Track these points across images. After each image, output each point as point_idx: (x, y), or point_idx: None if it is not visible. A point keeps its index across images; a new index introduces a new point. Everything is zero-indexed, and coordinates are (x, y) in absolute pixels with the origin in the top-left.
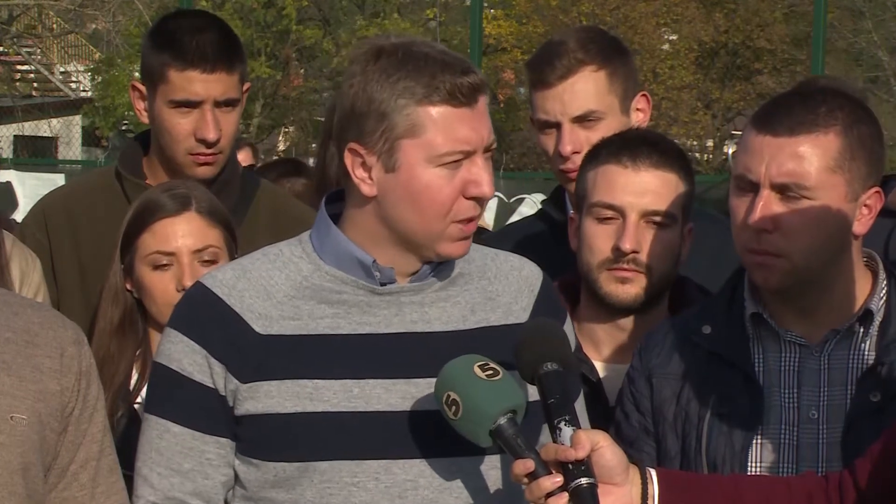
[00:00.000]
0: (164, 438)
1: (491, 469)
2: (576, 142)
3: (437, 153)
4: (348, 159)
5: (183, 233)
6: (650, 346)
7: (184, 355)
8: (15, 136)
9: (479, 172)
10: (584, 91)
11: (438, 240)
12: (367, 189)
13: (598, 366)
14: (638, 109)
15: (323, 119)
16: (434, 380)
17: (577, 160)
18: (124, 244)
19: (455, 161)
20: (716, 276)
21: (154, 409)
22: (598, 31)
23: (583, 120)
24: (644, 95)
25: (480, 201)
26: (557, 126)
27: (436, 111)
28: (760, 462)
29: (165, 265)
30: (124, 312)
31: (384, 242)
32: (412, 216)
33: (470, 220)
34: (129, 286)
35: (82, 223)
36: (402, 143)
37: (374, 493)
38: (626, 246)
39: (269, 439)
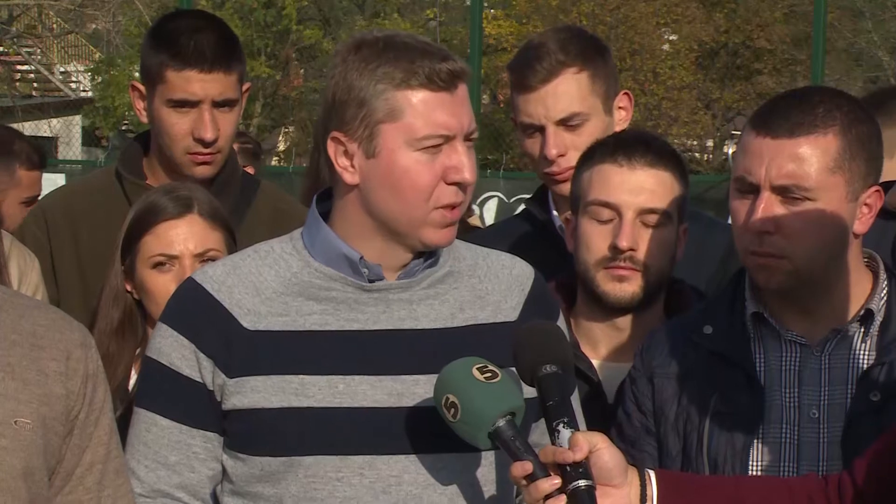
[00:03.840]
0: (152, 431)
1: (476, 465)
2: (560, 145)
3: (416, 136)
4: (331, 148)
5: (185, 236)
6: (651, 346)
7: (173, 350)
8: None
9: (460, 158)
10: (566, 94)
11: (422, 226)
12: (349, 177)
13: (596, 364)
14: (620, 108)
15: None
16: (421, 377)
17: (562, 163)
18: (125, 245)
19: (435, 146)
20: (696, 272)
21: (143, 402)
22: (578, 31)
23: (566, 122)
24: (626, 93)
25: (462, 187)
26: (541, 129)
27: (414, 95)
28: (761, 461)
29: (167, 267)
30: (124, 313)
31: (370, 235)
32: (394, 202)
33: (453, 206)
34: (129, 287)
35: (82, 223)
36: (381, 128)
37: (358, 488)
38: (623, 244)
39: (255, 434)
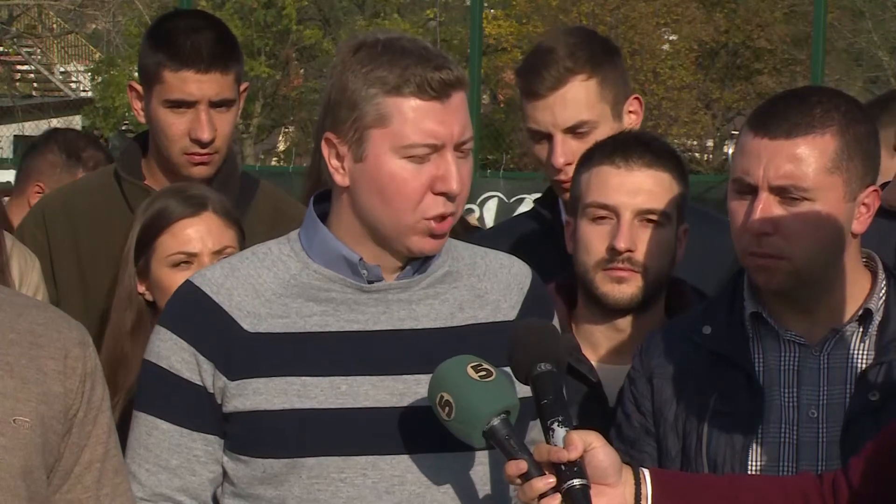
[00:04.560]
0: (153, 435)
1: (479, 465)
2: (568, 153)
3: (403, 144)
4: (325, 149)
5: (203, 233)
6: (651, 346)
7: (173, 353)
8: (15, 136)
9: (448, 168)
10: (574, 101)
11: (408, 234)
12: (339, 178)
13: (596, 366)
14: (630, 112)
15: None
16: (422, 376)
17: (570, 171)
18: (139, 246)
19: (422, 154)
20: (705, 274)
21: (143, 406)
22: (587, 35)
23: (574, 130)
24: (636, 98)
25: (450, 197)
26: (549, 137)
27: (404, 102)
28: (760, 461)
29: (187, 265)
30: (137, 314)
31: (363, 238)
32: (380, 208)
33: (442, 217)
34: (141, 289)
35: (81, 223)
36: (370, 133)
37: (361, 489)
38: (621, 245)
39: (258, 436)
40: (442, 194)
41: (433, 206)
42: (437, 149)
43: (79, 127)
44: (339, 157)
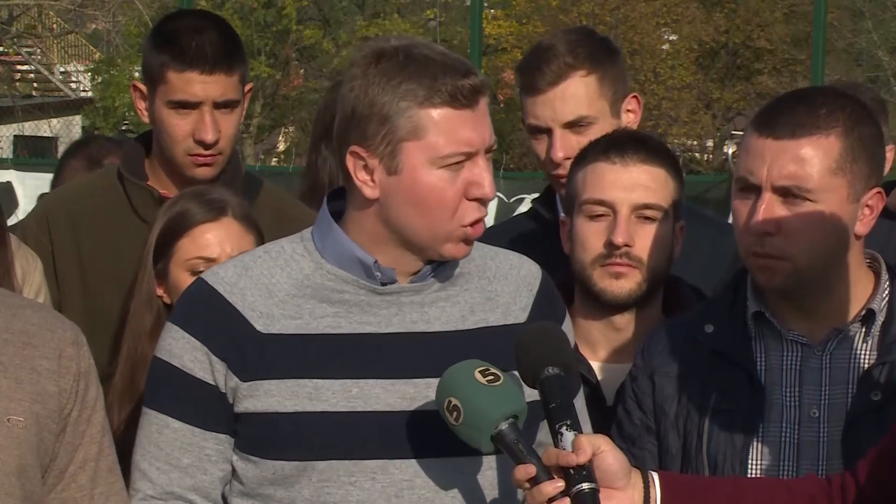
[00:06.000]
0: (164, 434)
1: (488, 469)
2: (567, 148)
3: (440, 155)
4: (350, 162)
5: (222, 238)
6: (652, 344)
7: (185, 351)
8: (15, 136)
9: (481, 173)
10: (574, 97)
11: (444, 242)
12: (369, 192)
13: (595, 366)
14: (628, 111)
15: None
16: (433, 380)
17: (569, 166)
18: (157, 249)
19: (457, 163)
20: (710, 279)
21: (154, 404)
22: (587, 33)
23: (574, 125)
24: (634, 96)
25: (483, 202)
26: (548, 132)
27: (437, 113)
28: (761, 460)
29: (205, 270)
30: (156, 317)
31: (386, 244)
32: (417, 218)
33: (475, 222)
34: (160, 290)
35: (84, 224)
36: (404, 146)
37: (370, 493)
38: (619, 239)
39: (269, 438)
40: (476, 199)
41: (469, 213)
42: (470, 156)
43: (79, 127)
44: (369, 171)
